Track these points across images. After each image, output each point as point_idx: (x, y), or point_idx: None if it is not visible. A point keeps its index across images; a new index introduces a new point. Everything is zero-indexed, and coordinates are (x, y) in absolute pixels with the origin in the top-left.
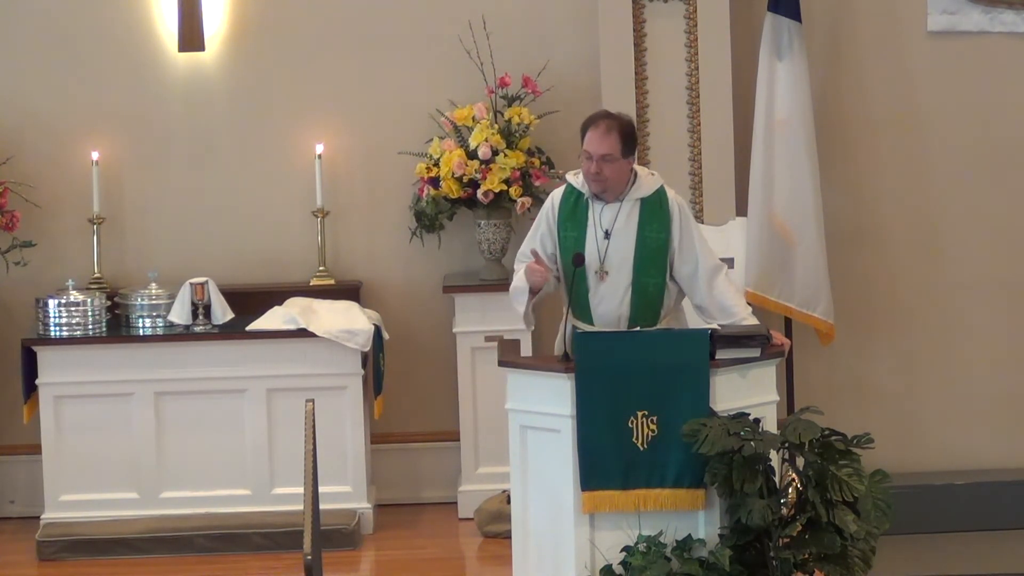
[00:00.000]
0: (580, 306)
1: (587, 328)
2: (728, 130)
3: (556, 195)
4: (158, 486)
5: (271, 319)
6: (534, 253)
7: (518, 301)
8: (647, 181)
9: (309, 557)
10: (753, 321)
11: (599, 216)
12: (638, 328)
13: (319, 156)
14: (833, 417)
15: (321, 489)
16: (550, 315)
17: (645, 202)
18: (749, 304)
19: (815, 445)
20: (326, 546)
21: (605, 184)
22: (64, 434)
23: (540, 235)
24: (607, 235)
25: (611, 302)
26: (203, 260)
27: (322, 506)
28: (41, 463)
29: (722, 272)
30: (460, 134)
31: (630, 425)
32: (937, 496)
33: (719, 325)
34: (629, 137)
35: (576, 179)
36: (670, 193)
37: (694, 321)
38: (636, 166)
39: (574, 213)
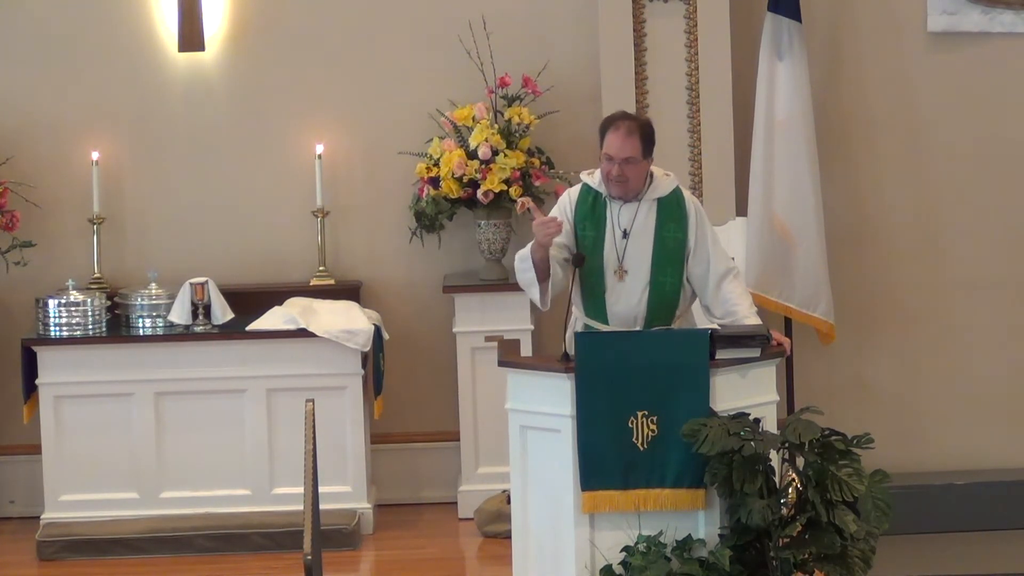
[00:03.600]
0: (595, 306)
1: (602, 328)
2: (728, 130)
3: (572, 193)
4: (158, 486)
5: (271, 319)
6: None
7: (523, 268)
8: (663, 182)
9: (309, 557)
10: (756, 321)
11: (617, 216)
12: (653, 328)
13: (319, 156)
14: (833, 417)
15: (321, 489)
16: (551, 315)
17: (662, 202)
18: None
19: (815, 445)
20: (326, 546)
21: (627, 187)
22: (64, 434)
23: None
24: (625, 235)
25: (628, 301)
26: (203, 260)
27: (322, 506)
28: (41, 463)
29: (731, 274)
30: (460, 134)
31: (630, 425)
32: (937, 496)
33: (719, 324)
34: (649, 138)
35: (592, 179)
36: (686, 193)
37: (702, 322)
38: (652, 167)
39: (592, 213)
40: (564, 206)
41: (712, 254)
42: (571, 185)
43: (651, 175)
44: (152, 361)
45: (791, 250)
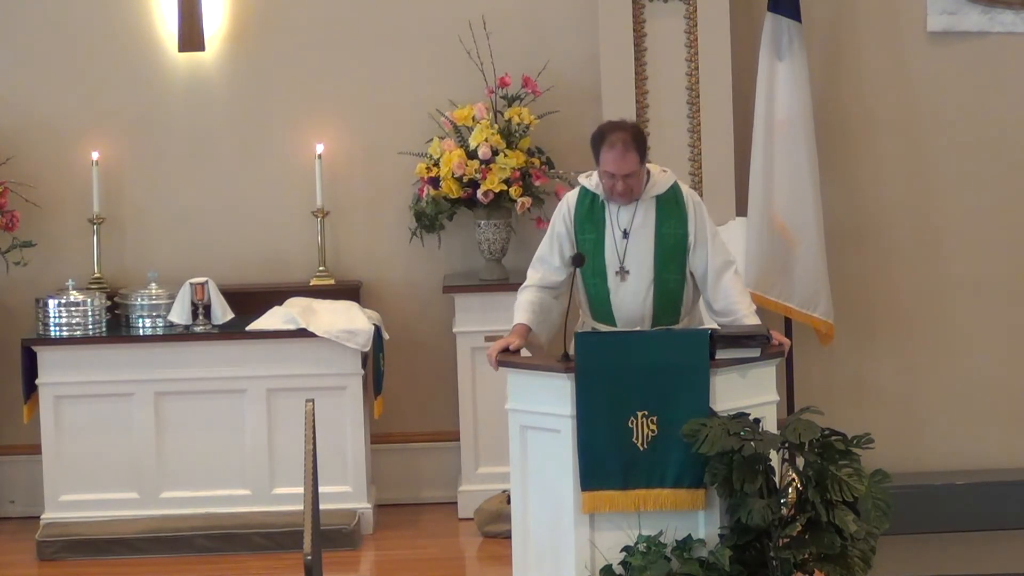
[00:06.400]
0: (602, 309)
1: (608, 330)
2: (728, 130)
3: (571, 198)
4: (158, 486)
5: (271, 319)
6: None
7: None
8: (661, 179)
9: (309, 557)
10: (754, 319)
11: (616, 216)
12: (660, 327)
13: (319, 156)
14: (833, 417)
15: (321, 489)
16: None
17: (661, 199)
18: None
19: (815, 445)
20: (326, 546)
21: (631, 196)
22: (64, 434)
23: (558, 241)
24: (625, 234)
25: (633, 302)
26: (203, 260)
27: (322, 506)
28: (41, 463)
29: (731, 269)
30: (460, 134)
31: (630, 425)
32: (937, 496)
33: (719, 324)
34: (643, 144)
35: (589, 181)
36: (684, 189)
37: (709, 322)
38: (649, 164)
39: (591, 215)
40: (563, 215)
41: (711, 248)
42: (571, 186)
43: (648, 172)
44: (152, 361)
45: (791, 250)
